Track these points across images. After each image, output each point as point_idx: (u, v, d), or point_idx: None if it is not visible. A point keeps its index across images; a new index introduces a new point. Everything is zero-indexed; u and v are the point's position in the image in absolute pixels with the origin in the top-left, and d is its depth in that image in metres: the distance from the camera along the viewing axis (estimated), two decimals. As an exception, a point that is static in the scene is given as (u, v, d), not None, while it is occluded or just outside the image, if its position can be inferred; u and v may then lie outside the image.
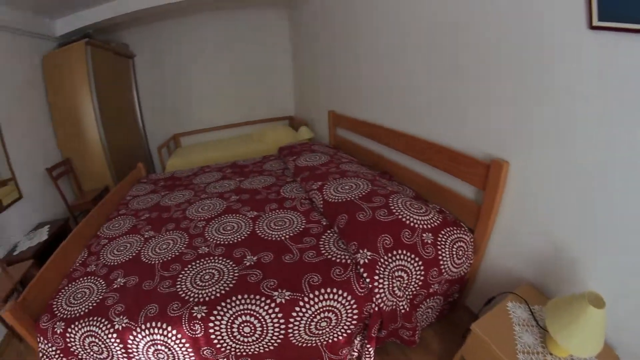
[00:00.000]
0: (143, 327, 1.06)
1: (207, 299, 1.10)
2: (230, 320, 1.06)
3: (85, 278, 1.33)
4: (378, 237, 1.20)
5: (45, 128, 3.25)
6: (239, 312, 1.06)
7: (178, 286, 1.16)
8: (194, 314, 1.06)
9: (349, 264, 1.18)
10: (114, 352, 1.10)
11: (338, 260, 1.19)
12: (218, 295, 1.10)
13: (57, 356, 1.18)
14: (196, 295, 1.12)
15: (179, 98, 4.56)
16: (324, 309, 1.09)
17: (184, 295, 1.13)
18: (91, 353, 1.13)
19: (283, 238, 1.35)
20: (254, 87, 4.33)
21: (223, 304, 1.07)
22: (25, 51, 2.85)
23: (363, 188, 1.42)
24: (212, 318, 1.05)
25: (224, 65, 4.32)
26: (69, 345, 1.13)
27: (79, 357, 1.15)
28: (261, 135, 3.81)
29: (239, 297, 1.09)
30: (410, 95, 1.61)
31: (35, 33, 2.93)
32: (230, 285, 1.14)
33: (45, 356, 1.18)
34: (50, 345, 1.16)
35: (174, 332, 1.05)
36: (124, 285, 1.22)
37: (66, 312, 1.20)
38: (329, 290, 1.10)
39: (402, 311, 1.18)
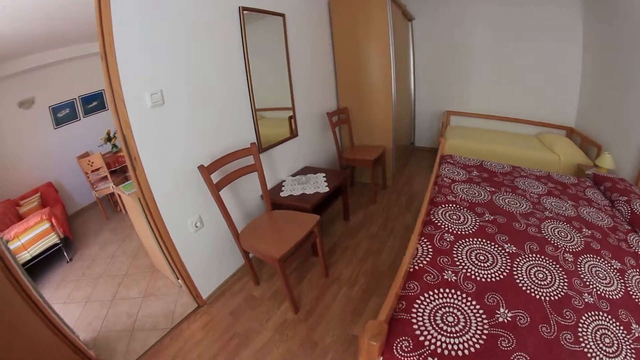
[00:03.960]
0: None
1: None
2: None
3: (446, 291, 1.17)
4: None
5: (327, 72, 3.08)
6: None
7: (583, 345, 1.05)
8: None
9: None
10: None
11: None
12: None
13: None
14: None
15: (452, 74, 4.12)
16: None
17: (594, 362, 1.02)
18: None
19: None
20: (535, 84, 3.72)
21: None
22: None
23: None
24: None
25: (505, 53, 3.72)
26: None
27: None
28: (549, 142, 3.36)
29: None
30: None
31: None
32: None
33: None
34: None
35: None
36: (513, 323, 1.08)
37: (439, 343, 1.00)
38: None
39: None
